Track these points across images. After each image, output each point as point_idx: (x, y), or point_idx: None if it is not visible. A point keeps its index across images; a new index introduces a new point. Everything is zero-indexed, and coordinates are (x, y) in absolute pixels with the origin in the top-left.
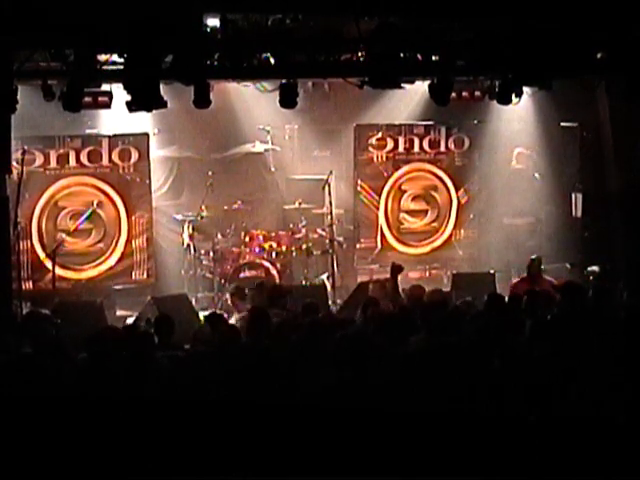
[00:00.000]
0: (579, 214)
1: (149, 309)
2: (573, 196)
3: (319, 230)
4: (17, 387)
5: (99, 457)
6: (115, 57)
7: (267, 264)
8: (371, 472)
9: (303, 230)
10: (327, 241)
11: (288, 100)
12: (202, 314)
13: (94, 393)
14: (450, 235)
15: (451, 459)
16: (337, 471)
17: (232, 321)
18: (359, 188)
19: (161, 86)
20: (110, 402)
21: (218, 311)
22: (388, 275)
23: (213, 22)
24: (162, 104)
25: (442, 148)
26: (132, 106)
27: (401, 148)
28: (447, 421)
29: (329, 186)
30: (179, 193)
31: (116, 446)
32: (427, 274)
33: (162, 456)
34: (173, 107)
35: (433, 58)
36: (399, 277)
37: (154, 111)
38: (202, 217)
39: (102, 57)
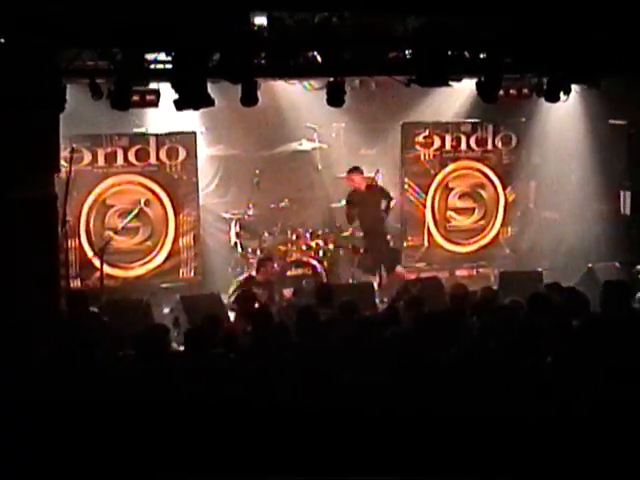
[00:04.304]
0: (627, 212)
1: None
2: (621, 193)
3: None
4: (65, 384)
5: (137, 452)
6: (163, 56)
7: (314, 262)
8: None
9: (350, 228)
10: None
11: (336, 98)
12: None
13: (141, 391)
14: (497, 233)
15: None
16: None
17: None
18: (406, 186)
19: (208, 84)
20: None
21: None
22: (435, 273)
23: (260, 20)
24: (209, 102)
25: (489, 146)
26: (180, 105)
27: (448, 146)
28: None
29: (376, 184)
30: (226, 191)
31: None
32: (474, 272)
33: (188, 454)
34: (220, 105)
35: (481, 56)
36: (445, 275)
37: (201, 109)
38: (249, 215)
39: (150, 56)
